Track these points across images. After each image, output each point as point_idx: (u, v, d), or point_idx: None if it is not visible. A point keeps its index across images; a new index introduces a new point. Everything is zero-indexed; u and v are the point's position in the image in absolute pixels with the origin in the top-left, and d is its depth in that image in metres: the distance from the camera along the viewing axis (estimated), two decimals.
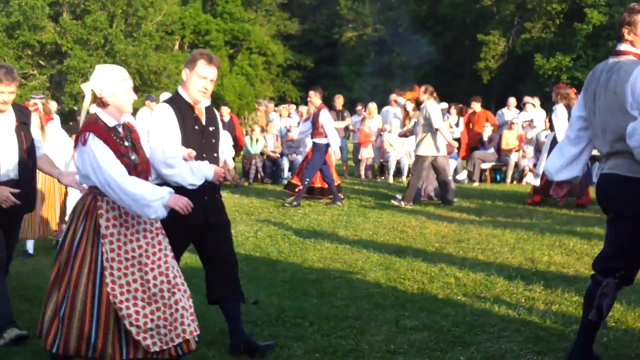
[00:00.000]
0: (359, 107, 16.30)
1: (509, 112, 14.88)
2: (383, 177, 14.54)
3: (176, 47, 38.51)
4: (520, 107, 14.94)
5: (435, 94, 10.19)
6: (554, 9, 30.41)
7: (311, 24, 45.49)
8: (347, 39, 43.81)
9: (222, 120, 6.02)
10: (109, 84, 3.63)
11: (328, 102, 12.33)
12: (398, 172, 14.15)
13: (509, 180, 13.39)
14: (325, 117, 10.33)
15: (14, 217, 4.61)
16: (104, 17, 30.89)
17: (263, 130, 14.47)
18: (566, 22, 30.35)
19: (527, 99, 14.56)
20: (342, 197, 10.87)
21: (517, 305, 4.97)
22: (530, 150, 13.30)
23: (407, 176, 13.61)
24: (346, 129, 15.54)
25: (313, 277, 5.94)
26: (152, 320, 3.54)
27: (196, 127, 4.07)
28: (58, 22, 31.25)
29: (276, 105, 17.48)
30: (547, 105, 13.02)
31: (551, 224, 8.33)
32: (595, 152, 13.23)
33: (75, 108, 30.36)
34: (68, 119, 21.91)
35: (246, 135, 14.59)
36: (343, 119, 15.40)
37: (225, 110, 14.22)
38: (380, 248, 7.14)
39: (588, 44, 29.16)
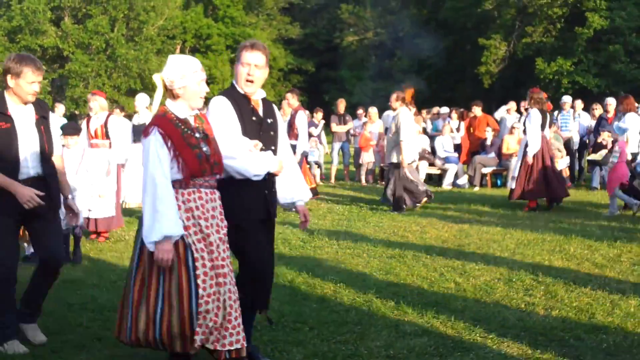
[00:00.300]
0: (360, 111, 16.28)
1: (509, 116, 14.87)
2: (384, 182, 14.53)
3: (177, 51, 38.57)
4: (521, 111, 14.92)
5: (406, 101, 10.19)
6: (555, 13, 30.45)
7: (312, 28, 45.56)
8: (348, 43, 43.84)
9: None
10: (179, 76, 3.56)
11: (329, 107, 12.32)
12: None
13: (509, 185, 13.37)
14: (301, 119, 10.34)
15: (40, 217, 4.29)
16: (105, 22, 30.98)
17: None
18: (567, 26, 30.39)
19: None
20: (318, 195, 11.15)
21: (517, 311, 4.97)
22: None
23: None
24: (347, 133, 15.54)
25: (313, 282, 5.94)
26: (220, 316, 3.52)
27: (253, 119, 3.90)
28: (59, 27, 31.35)
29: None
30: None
31: (551, 230, 8.32)
32: (595, 157, 13.12)
33: (77, 112, 30.41)
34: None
35: None
36: (345, 123, 15.41)
37: None
38: (381, 253, 7.15)
39: (589, 48, 29.18)
